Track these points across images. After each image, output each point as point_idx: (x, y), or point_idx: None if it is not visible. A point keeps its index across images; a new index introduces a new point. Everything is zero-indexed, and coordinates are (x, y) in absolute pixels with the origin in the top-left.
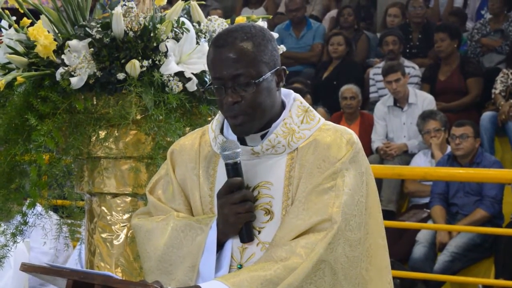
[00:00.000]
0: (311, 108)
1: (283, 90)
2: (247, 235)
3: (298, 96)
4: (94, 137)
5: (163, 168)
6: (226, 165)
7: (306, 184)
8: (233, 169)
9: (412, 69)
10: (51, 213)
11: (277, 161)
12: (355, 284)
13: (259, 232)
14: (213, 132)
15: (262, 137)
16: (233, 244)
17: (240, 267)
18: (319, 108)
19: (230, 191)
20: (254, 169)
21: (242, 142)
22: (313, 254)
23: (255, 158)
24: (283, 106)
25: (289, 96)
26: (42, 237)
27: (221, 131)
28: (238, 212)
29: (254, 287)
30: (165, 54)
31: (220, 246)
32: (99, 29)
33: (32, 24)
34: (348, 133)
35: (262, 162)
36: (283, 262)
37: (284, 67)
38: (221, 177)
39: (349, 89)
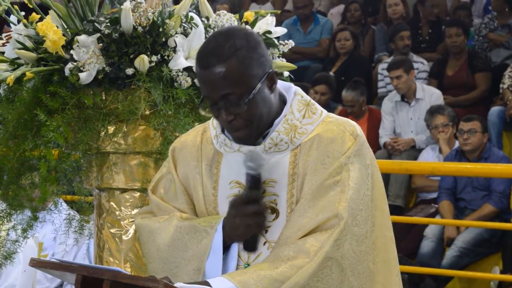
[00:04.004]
0: (313, 101)
1: (282, 83)
2: (252, 245)
3: (298, 89)
4: (103, 133)
5: (165, 166)
6: (248, 175)
7: (311, 181)
8: (254, 180)
9: (421, 64)
10: (62, 207)
11: (280, 158)
12: (363, 278)
13: (266, 231)
14: (214, 130)
15: (265, 135)
16: (240, 243)
17: (248, 266)
18: (339, 106)
19: (246, 202)
20: None
21: None
22: (320, 253)
23: None
24: (283, 101)
25: (289, 90)
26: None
27: (223, 130)
28: (249, 224)
29: (261, 285)
30: (174, 49)
31: (225, 247)
32: (108, 24)
33: (41, 19)
34: (351, 125)
35: (265, 160)
36: (290, 261)
37: (276, 69)
38: (225, 176)
39: (347, 96)
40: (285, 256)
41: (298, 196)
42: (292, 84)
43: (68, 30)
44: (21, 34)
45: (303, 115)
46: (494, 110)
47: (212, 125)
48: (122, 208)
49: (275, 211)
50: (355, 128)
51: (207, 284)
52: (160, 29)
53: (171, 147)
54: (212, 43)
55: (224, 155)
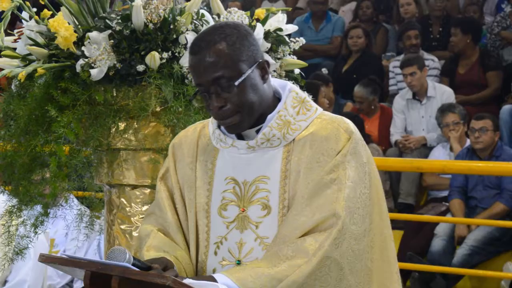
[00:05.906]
0: (308, 98)
1: (278, 81)
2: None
3: (294, 87)
4: (114, 129)
5: (167, 162)
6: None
7: (307, 180)
8: (136, 266)
9: (431, 61)
10: (73, 203)
11: (273, 154)
12: (361, 276)
13: (257, 226)
14: (212, 125)
15: (258, 131)
16: (231, 239)
17: (239, 262)
18: (348, 102)
19: None
20: (251, 163)
21: (239, 136)
22: (319, 252)
23: (251, 152)
24: (278, 98)
25: (285, 87)
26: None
27: (219, 125)
28: None
29: (258, 283)
30: (185, 46)
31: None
32: (119, 21)
33: (52, 16)
34: (345, 123)
35: (258, 156)
36: (289, 260)
37: (266, 59)
38: (220, 171)
39: (358, 92)
40: (283, 255)
41: (291, 192)
42: (289, 82)
43: (79, 26)
44: (32, 31)
45: (297, 112)
46: (506, 108)
47: (211, 122)
48: (133, 204)
49: (267, 207)
50: (349, 125)
51: (213, 279)
52: (171, 26)
53: (171, 143)
54: (201, 34)
55: (220, 151)
